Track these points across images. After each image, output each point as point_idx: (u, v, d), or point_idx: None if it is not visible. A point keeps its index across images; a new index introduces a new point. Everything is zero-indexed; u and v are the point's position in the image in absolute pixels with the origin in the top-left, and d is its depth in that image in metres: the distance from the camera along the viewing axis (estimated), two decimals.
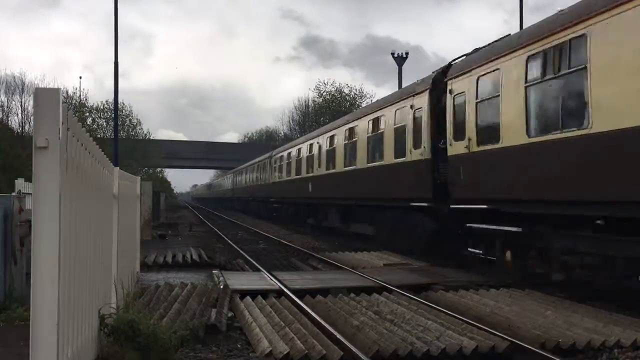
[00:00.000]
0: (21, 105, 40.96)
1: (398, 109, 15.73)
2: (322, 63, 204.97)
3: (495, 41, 11.97)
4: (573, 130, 8.78)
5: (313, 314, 7.87)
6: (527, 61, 9.93)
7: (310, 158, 25.47)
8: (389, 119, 16.29)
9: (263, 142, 77.61)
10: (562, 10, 9.64)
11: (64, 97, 6.06)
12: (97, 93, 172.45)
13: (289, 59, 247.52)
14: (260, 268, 13.00)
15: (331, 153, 22.08)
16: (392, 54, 39.18)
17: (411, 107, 14.76)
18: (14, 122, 40.98)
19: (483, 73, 11.33)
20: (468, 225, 11.73)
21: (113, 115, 28.41)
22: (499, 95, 10.71)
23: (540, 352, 6.19)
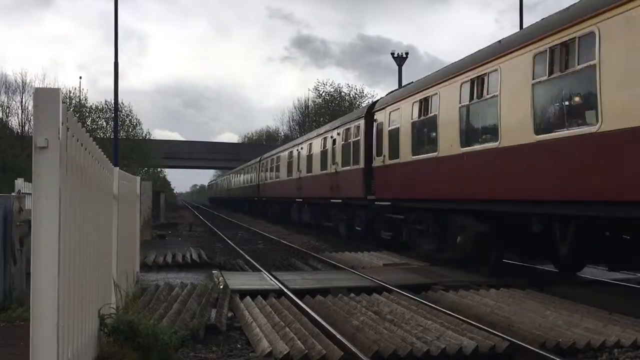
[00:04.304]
0: (21, 105, 41.01)
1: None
2: (315, 63, 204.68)
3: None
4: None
5: (313, 314, 7.87)
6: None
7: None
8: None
9: (263, 143, 77.56)
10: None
11: (64, 97, 6.06)
12: (91, 93, 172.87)
13: (282, 59, 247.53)
14: (260, 268, 13.00)
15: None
16: (392, 54, 39.09)
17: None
18: (14, 122, 41.04)
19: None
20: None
21: (113, 116, 28.43)
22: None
23: (540, 352, 6.18)
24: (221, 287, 9.73)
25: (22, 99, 41.12)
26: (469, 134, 11.70)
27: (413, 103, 14.17)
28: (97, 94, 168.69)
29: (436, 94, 13.00)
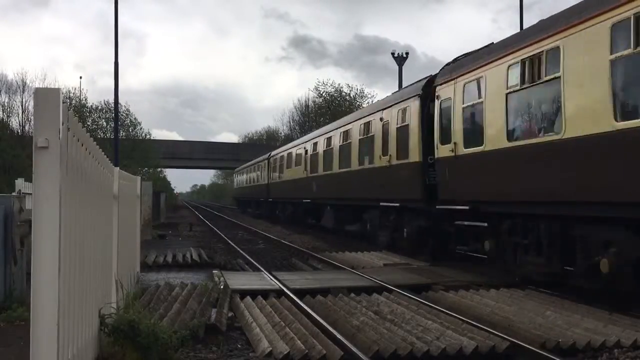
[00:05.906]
0: (21, 106, 41.00)
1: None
2: (313, 63, 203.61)
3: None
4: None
5: (313, 313, 7.87)
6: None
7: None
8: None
9: (263, 143, 77.50)
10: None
11: (64, 97, 6.05)
12: (90, 93, 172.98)
13: (279, 58, 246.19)
14: (261, 268, 13.00)
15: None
16: (392, 54, 39.10)
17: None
18: (14, 122, 41.02)
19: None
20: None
21: (113, 116, 28.45)
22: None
23: (540, 352, 6.19)
24: (221, 287, 9.73)
25: (22, 99, 41.12)
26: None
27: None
28: (95, 93, 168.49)
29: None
